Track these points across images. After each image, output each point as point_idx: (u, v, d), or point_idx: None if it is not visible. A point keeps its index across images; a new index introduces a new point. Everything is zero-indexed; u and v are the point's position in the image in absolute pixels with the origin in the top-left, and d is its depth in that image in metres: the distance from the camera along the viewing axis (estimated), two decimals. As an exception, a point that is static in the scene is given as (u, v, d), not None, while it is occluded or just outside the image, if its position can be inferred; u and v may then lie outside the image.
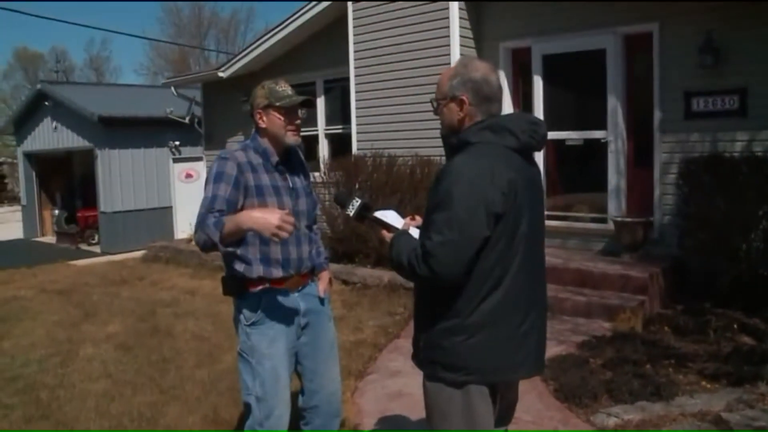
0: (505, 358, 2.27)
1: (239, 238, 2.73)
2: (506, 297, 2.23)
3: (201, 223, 2.73)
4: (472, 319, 2.22)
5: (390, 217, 2.51)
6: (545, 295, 2.46)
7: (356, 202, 2.57)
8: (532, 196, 2.29)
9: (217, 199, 2.78)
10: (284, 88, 2.94)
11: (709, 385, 4.52)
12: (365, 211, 2.56)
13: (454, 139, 2.33)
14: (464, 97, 2.30)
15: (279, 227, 2.52)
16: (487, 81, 2.31)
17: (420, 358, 2.40)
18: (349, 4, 9.68)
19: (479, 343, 2.23)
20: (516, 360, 2.30)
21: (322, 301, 3.12)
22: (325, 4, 10.12)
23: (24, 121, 19.42)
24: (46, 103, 17.91)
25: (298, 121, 2.98)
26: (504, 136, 2.25)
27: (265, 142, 2.96)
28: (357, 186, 8.51)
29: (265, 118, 2.94)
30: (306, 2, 10.34)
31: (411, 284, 2.53)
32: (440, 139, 2.44)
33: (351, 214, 2.57)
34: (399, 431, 4.07)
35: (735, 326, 5.73)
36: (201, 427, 4.25)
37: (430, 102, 2.43)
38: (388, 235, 2.44)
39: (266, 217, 2.55)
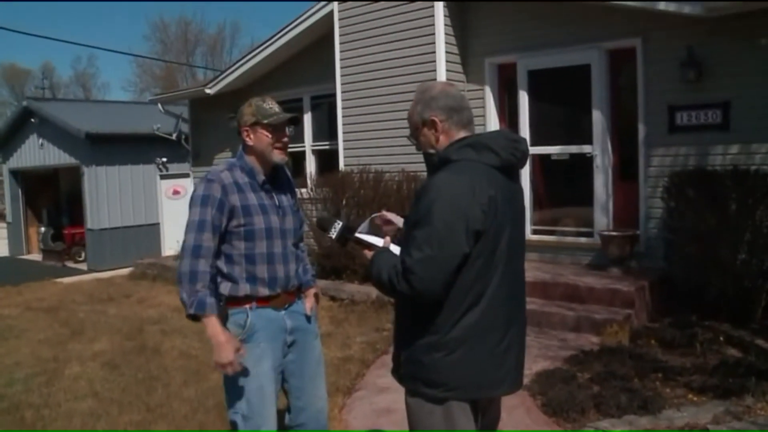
0: (485, 374, 2.28)
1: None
2: (486, 313, 2.24)
3: (194, 277, 2.78)
4: (452, 335, 2.23)
5: (373, 237, 2.51)
6: (524, 311, 2.47)
7: (338, 225, 2.57)
8: (512, 213, 2.31)
9: (206, 225, 2.80)
10: (271, 105, 2.94)
11: (696, 398, 4.54)
12: (347, 233, 2.56)
13: (436, 157, 2.35)
14: (434, 117, 2.34)
15: (225, 365, 2.74)
16: (446, 93, 2.36)
17: (401, 373, 2.41)
18: (336, 21, 9.72)
19: (459, 359, 2.24)
20: (496, 376, 2.31)
21: (308, 318, 3.12)
22: (311, 21, 10.16)
23: (10, 138, 19.29)
24: (33, 119, 17.82)
25: (286, 139, 2.98)
26: (485, 154, 2.26)
27: (251, 161, 2.96)
28: (344, 202, 8.53)
29: (252, 136, 2.93)
30: (302, 4, 10.38)
31: (397, 300, 2.52)
32: (425, 158, 2.45)
33: (333, 237, 2.58)
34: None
35: (721, 339, 5.76)
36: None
37: (408, 139, 2.48)
38: (369, 254, 2.45)
39: (222, 353, 2.73)
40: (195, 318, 2.78)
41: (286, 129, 2.98)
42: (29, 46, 61.97)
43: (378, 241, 2.49)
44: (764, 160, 6.60)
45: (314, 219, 8.87)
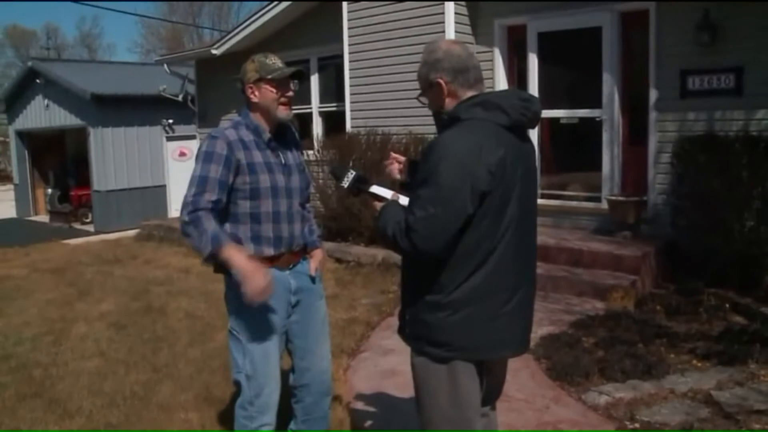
0: (489, 336, 2.27)
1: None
2: (492, 275, 2.22)
3: (197, 221, 2.67)
4: (456, 296, 2.22)
5: (385, 190, 2.51)
6: (534, 274, 2.44)
7: (351, 174, 2.57)
8: (523, 174, 2.27)
9: (209, 181, 2.74)
10: (274, 61, 2.90)
11: (700, 364, 4.55)
12: (360, 184, 2.56)
13: (445, 116, 2.31)
14: (439, 79, 2.30)
15: (259, 292, 2.59)
16: (450, 54, 2.31)
17: (406, 332, 2.41)
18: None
19: (463, 320, 2.23)
20: (500, 339, 2.30)
21: (313, 279, 3.11)
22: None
23: (15, 99, 19.25)
24: (38, 80, 17.75)
25: (290, 94, 2.94)
26: (495, 113, 2.22)
27: (257, 118, 2.92)
28: (351, 164, 8.48)
29: (256, 92, 2.89)
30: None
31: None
32: (434, 117, 2.42)
33: (345, 186, 2.57)
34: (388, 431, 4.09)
35: (727, 306, 5.75)
36: (193, 405, 4.25)
37: (417, 99, 2.45)
38: (379, 206, 2.44)
39: (254, 281, 2.57)
40: (214, 258, 2.65)
41: (291, 84, 2.94)
42: (32, 7, 61.29)
43: (388, 194, 2.48)
44: (776, 127, 6.51)
45: (325, 175, 8.90)
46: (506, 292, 2.27)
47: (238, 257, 2.62)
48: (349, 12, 9.60)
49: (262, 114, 2.92)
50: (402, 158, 2.70)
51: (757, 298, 5.88)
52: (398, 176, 2.60)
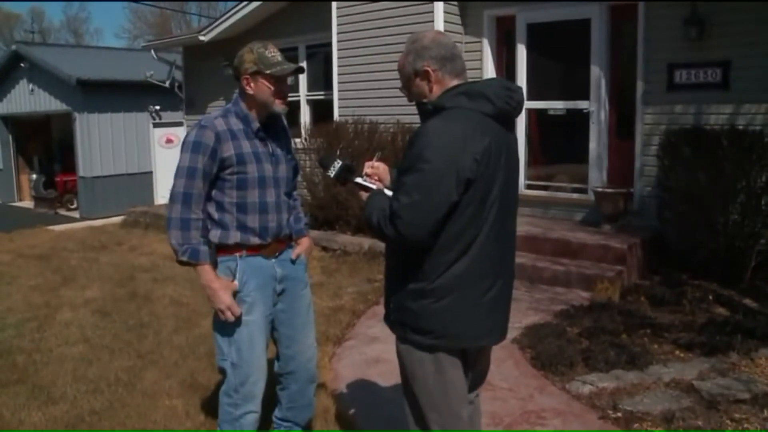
0: (472, 324, 2.29)
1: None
2: (474, 263, 2.24)
3: (186, 222, 2.77)
4: (439, 283, 2.23)
5: (369, 180, 2.51)
6: (513, 263, 2.47)
7: (337, 164, 2.57)
8: (506, 163, 2.28)
9: (197, 172, 2.75)
10: (274, 53, 2.84)
11: (682, 355, 4.59)
12: (347, 173, 2.56)
13: (429, 105, 2.31)
14: (427, 67, 2.30)
15: (223, 311, 2.78)
16: (438, 42, 2.33)
17: (391, 319, 2.42)
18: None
19: (446, 308, 2.24)
20: (482, 327, 2.32)
21: (299, 267, 3.10)
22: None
23: (-1, 83, 19.03)
24: (22, 64, 17.54)
25: (287, 90, 2.92)
26: (479, 102, 2.23)
27: (248, 107, 2.89)
28: (338, 152, 8.46)
29: (252, 85, 2.83)
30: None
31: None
32: (417, 107, 2.41)
33: (332, 175, 2.57)
34: None
35: (710, 297, 5.79)
36: (178, 391, 4.25)
37: (400, 90, 2.43)
38: (365, 195, 2.45)
39: (217, 299, 2.77)
40: (187, 264, 2.78)
41: (288, 79, 2.91)
42: (19, -11, 60.29)
43: (373, 184, 2.49)
44: (762, 121, 6.55)
45: (313, 163, 8.87)
46: (488, 280, 2.29)
47: (207, 276, 2.78)
48: (338, 0, 9.55)
49: (256, 106, 2.88)
50: (380, 166, 2.56)
51: (740, 290, 5.95)
52: (380, 186, 2.48)
